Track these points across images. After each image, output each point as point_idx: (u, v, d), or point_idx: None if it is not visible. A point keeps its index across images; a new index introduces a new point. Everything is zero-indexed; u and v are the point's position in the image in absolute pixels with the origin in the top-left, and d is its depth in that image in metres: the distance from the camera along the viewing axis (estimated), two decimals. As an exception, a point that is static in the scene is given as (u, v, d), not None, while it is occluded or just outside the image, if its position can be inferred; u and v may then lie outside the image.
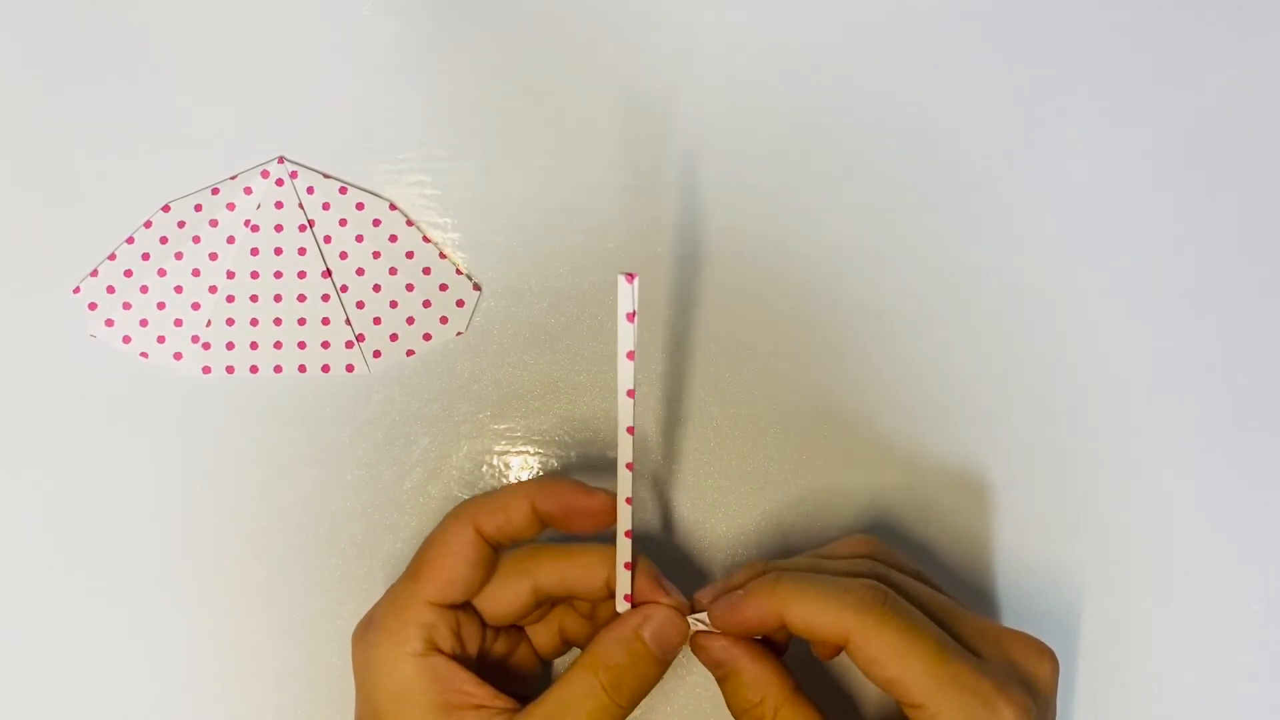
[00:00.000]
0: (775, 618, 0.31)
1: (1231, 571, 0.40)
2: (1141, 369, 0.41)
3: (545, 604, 0.35)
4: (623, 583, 0.32)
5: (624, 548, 0.32)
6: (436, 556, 0.33)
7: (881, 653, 0.30)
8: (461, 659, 0.33)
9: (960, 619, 0.31)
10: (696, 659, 0.33)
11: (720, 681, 0.33)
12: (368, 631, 0.33)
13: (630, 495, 0.31)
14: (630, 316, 0.29)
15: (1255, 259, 0.41)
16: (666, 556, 0.40)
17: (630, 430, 0.31)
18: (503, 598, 0.34)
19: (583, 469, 0.40)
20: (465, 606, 0.34)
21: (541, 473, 0.40)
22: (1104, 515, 0.40)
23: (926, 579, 0.34)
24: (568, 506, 0.33)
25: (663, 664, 0.32)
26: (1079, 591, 0.40)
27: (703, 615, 0.33)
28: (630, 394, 0.30)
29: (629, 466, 0.31)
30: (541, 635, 0.36)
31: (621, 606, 0.33)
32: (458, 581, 0.33)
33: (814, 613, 0.30)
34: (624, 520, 0.32)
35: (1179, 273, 0.41)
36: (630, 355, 0.29)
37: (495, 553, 0.34)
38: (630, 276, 0.28)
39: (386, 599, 0.34)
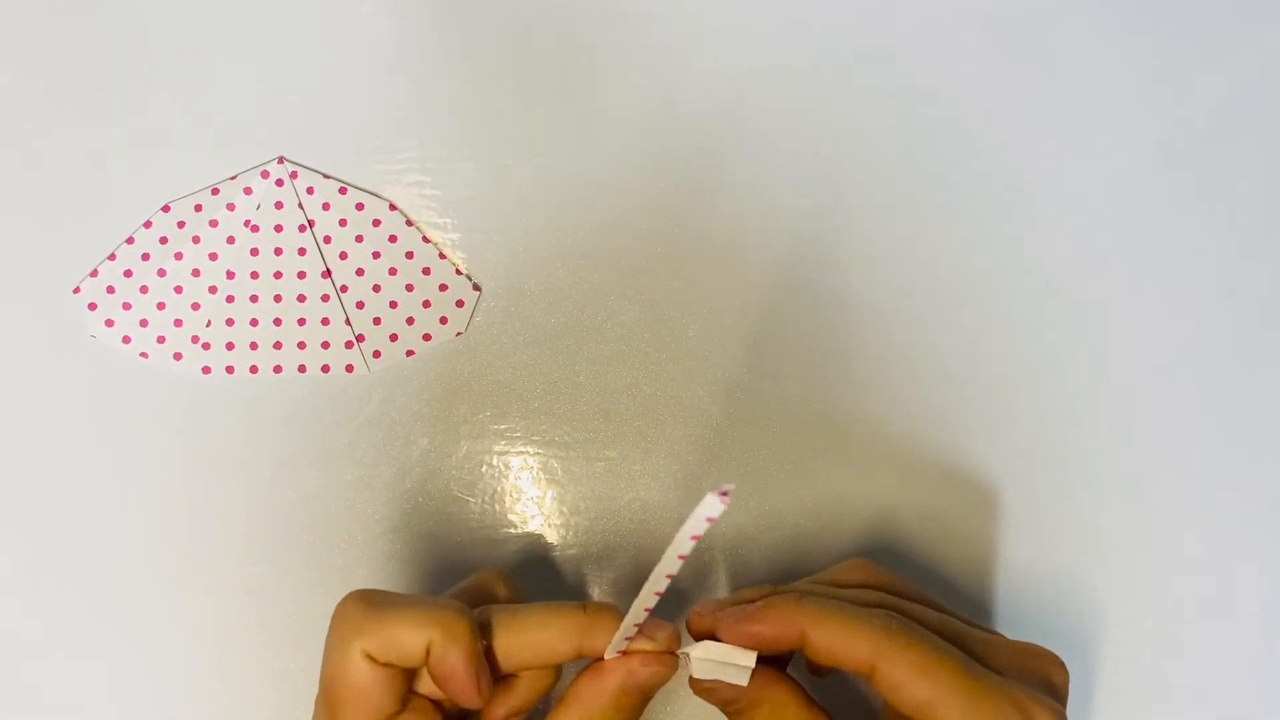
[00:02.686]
0: (796, 635, 0.30)
1: (1238, 570, 0.40)
2: (1144, 369, 0.41)
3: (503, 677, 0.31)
4: (624, 635, 0.30)
5: (648, 601, 0.29)
6: (342, 697, 0.29)
7: (909, 676, 0.29)
8: None
9: (971, 638, 0.31)
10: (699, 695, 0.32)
11: (733, 716, 0.31)
12: None
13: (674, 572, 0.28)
14: (695, 538, 0.26)
15: (1256, 258, 0.41)
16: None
17: (681, 557, 0.27)
18: None
19: (582, 469, 0.40)
20: (411, 697, 0.31)
21: (526, 497, 0.40)
22: (1107, 515, 0.40)
23: (928, 599, 0.33)
24: (456, 689, 0.29)
25: (647, 703, 0.31)
26: (1085, 595, 0.40)
27: (693, 649, 0.31)
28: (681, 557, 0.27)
29: (681, 557, 0.27)
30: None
31: (612, 655, 0.30)
32: (380, 709, 0.29)
33: (839, 638, 0.29)
34: (658, 583, 0.28)
35: (1180, 272, 0.41)
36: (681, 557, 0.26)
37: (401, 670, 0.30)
38: (724, 495, 0.24)
39: None
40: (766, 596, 0.31)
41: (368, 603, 0.29)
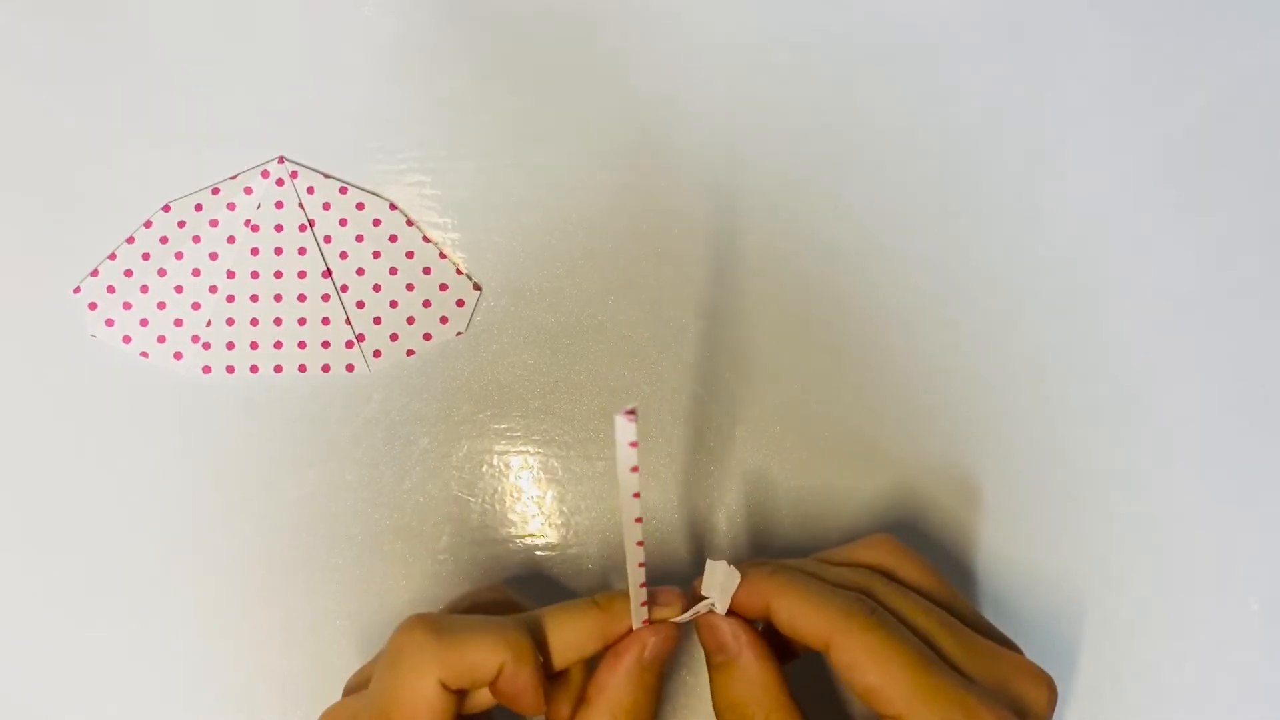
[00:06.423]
0: (762, 606, 0.31)
1: (1230, 570, 0.40)
2: (1138, 370, 0.41)
3: None
4: (639, 602, 0.31)
5: (637, 556, 0.30)
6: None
7: (861, 658, 0.29)
8: None
9: (954, 637, 0.31)
10: (698, 639, 0.33)
11: (714, 670, 0.32)
12: None
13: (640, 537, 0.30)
14: (633, 445, 0.26)
15: (1255, 261, 0.41)
16: (666, 556, 0.40)
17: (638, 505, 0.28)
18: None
19: (582, 469, 0.40)
20: None
21: (540, 528, 0.40)
22: (1102, 515, 0.40)
23: (937, 591, 0.33)
24: (525, 704, 0.30)
25: (664, 672, 0.32)
26: (1080, 593, 0.40)
27: (708, 603, 0.32)
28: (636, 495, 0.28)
29: (635, 495, 0.28)
30: None
31: (638, 625, 0.32)
32: None
33: (799, 611, 0.30)
34: (632, 535, 0.30)
35: (1179, 275, 0.41)
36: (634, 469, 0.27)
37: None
38: (630, 414, 0.26)
39: None
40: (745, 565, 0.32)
41: (435, 629, 0.29)
